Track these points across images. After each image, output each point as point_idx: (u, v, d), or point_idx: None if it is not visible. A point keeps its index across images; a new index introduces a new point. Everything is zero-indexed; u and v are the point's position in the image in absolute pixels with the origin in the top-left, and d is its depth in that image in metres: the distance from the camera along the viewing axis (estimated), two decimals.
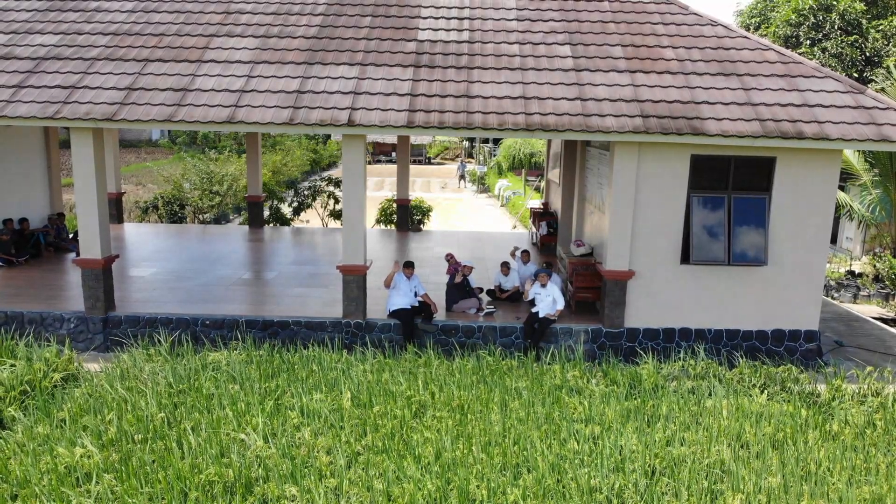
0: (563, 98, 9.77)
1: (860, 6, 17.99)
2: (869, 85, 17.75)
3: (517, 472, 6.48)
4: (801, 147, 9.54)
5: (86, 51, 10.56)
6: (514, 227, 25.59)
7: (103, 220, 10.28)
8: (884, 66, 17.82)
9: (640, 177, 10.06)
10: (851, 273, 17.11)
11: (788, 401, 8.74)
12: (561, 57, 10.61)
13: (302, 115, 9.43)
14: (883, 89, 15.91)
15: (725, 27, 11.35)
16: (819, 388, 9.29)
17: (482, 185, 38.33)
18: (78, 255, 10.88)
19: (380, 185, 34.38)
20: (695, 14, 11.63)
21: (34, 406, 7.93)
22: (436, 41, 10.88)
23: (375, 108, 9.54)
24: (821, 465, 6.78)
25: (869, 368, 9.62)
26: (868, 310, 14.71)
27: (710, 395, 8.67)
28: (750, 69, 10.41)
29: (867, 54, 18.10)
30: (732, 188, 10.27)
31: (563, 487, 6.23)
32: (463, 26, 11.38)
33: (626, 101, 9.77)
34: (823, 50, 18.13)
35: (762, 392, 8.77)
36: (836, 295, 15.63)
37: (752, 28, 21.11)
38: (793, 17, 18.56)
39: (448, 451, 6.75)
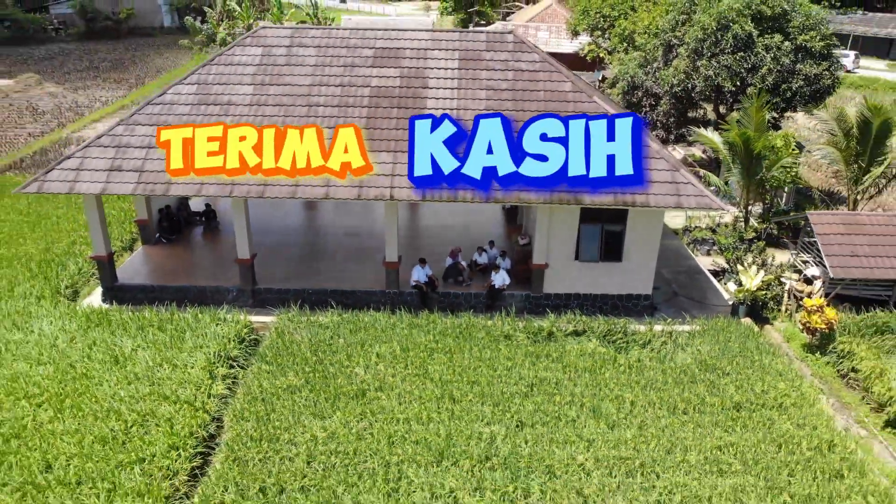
0: None
1: (750, 27, 24.16)
2: (745, 92, 24.51)
3: (473, 384, 15.37)
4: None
5: None
6: None
7: (250, 238, 18.47)
8: (759, 72, 24.53)
9: (552, 217, 18.05)
10: (717, 226, 25.19)
11: (615, 341, 17.50)
12: None
13: None
14: (745, 108, 22.75)
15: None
16: (641, 329, 17.98)
17: None
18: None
19: None
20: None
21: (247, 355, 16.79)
22: None
23: None
24: (608, 384, 15.62)
25: (668, 320, 18.32)
26: (711, 261, 23.04)
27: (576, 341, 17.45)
28: None
29: (751, 64, 24.62)
30: (604, 222, 18.29)
31: (493, 393, 15.15)
32: None
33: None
34: (718, 62, 24.66)
35: (599, 339, 17.53)
36: (698, 248, 23.93)
37: (679, 23, 27.00)
38: (699, 34, 24.80)
39: (445, 374, 15.61)
